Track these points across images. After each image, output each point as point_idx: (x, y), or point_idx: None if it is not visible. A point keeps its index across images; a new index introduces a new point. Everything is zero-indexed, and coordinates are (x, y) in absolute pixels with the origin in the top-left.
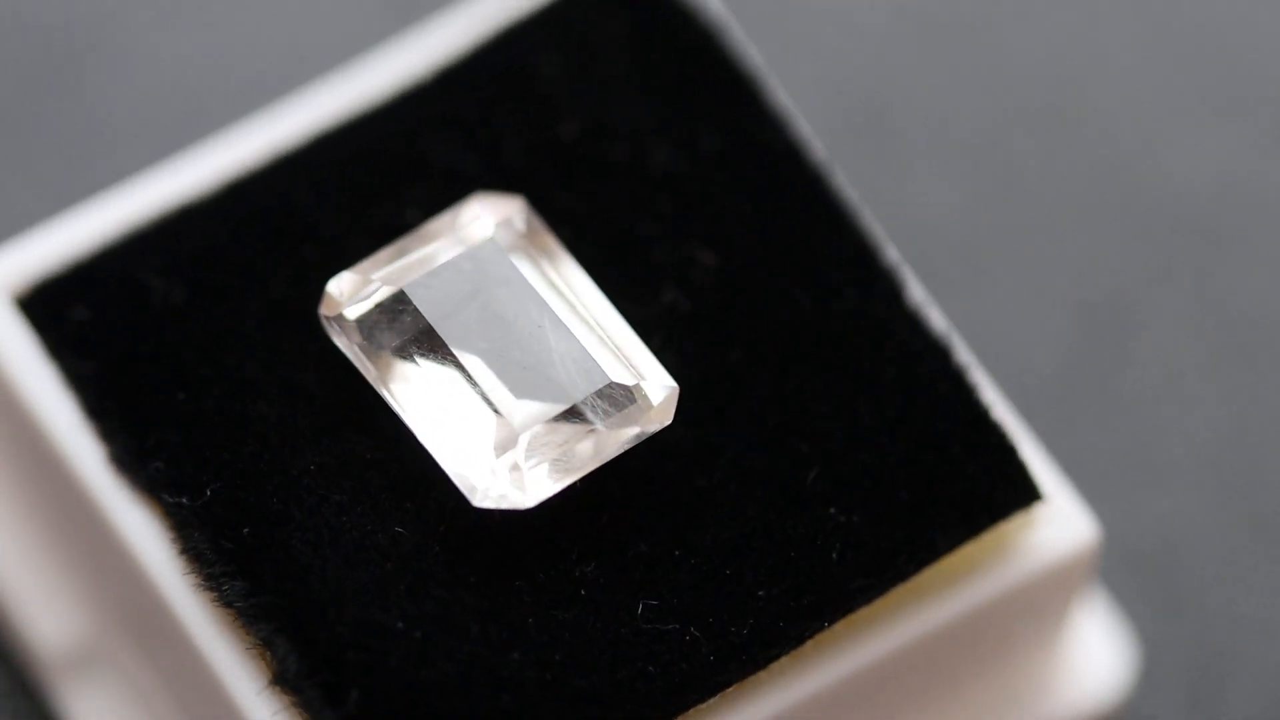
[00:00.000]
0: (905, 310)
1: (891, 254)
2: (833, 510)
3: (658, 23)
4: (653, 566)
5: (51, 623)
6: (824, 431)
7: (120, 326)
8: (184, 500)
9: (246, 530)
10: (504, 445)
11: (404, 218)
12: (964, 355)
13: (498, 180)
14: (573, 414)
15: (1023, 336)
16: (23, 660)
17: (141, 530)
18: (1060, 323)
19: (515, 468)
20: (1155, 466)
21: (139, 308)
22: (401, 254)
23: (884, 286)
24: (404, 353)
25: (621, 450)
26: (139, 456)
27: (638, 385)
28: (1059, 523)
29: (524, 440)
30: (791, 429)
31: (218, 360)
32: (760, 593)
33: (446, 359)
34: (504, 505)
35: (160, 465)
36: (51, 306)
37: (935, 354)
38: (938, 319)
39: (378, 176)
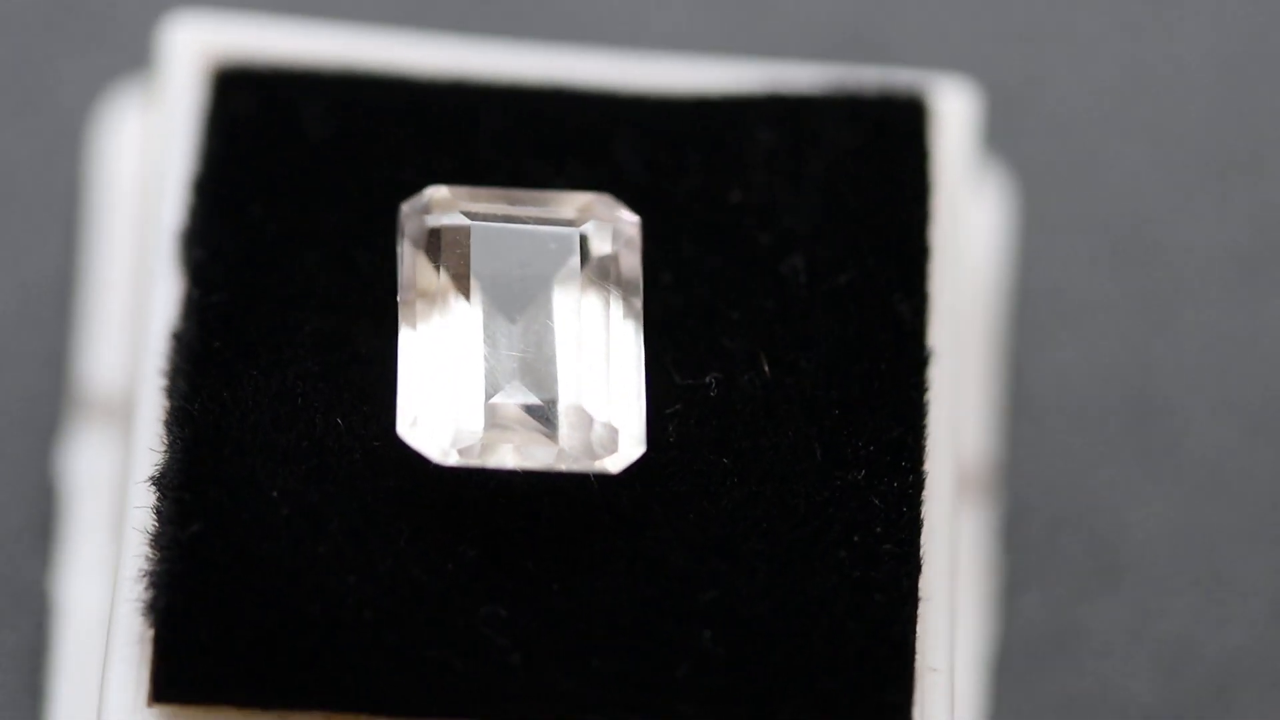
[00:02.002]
0: (902, 516)
1: (939, 467)
2: (708, 634)
3: (886, 158)
4: (524, 584)
5: (100, 365)
6: (750, 566)
7: (263, 131)
8: (195, 294)
9: (217, 345)
10: (467, 406)
11: (550, 183)
12: (938, 583)
13: (648, 200)
14: (539, 413)
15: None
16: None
17: (163, 303)
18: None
19: (461, 429)
20: None
21: (289, 126)
22: (509, 201)
23: (898, 486)
24: (442, 281)
25: (560, 470)
26: (194, 241)
27: (608, 425)
28: None
29: (486, 411)
30: (725, 548)
31: (306, 201)
32: (594, 662)
33: (470, 306)
34: (420, 448)
35: (201, 256)
36: (238, 89)
37: (897, 565)
38: (939, 549)
39: (562, 142)
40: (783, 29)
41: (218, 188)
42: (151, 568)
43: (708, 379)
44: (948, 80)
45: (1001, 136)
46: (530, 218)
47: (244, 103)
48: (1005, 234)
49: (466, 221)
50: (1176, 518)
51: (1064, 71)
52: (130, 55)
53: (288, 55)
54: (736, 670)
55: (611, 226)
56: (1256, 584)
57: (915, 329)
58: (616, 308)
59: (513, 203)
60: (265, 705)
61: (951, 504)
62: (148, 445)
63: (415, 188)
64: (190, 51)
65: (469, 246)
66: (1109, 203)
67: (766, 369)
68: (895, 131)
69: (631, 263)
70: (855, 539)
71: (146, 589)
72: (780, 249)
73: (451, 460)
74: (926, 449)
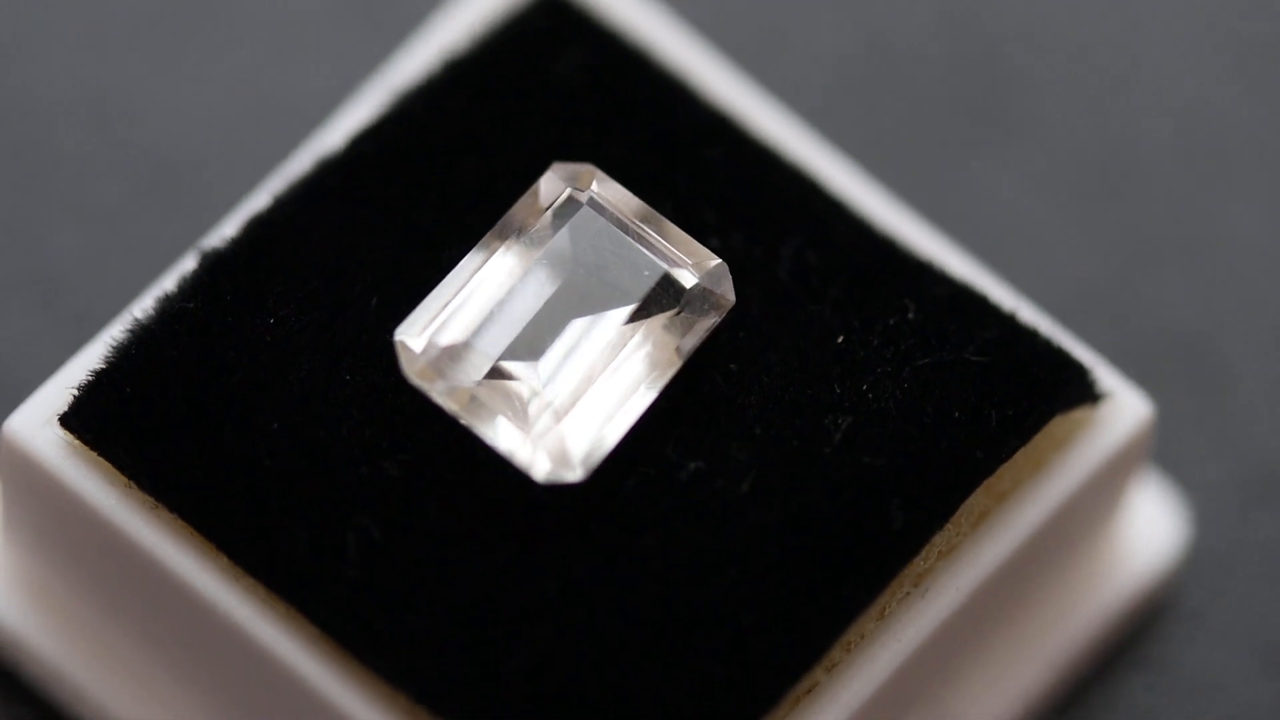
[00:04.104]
0: (751, 694)
1: (848, 686)
2: (518, 662)
3: (999, 393)
4: (411, 523)
5: None
6: (591, 636)
7: (526, 50)
8: (352, 142)
9: (332, 185)
10: (479, 353)
11: (702, 234)
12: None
13: (773, 301)
14: (535, 402)
15: None
16: None
17: (332, 138)
18: None
19: (458, 368)
20: None
21: (548, 58)
22: (643, 217)
23: (767, 664)
24: (537, 240)
25: (509, 459)
26: (399, 100)
27: (559, 442)
28: None
29: (493, 368)
30: (588, 605)
31: (505, 127)
32: (410, 618)
33: (544, 276)
34: (403, 361)
35: (381, 117)
36: (541, 9)
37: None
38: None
39: (747, 209)
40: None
41: (449, 74)
42: (138, 318)
43: (691, 465)
44: (1127, 386)
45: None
46: (644, 238)
47: (534, 22)
48: (1152, 562)
49: (583, 203)
50: None
51: None
52: None
53: (617, 16)
54: (579, 699)
55: (703, 291)
56: None
57: (899, 549)
58: (653, 360)
59: (644, 220)
60: (141, 484)
61: None
62: (229, 228)
63: (600, 167)
64: None
65: (567, 223)
66: None
67: (744, 489)
68: (1026, 378)
69: (696, 331)
70: (700, 670)
71: (122, 332)
72: (840, 405)
73: (434, 392)
74: (824, 665)
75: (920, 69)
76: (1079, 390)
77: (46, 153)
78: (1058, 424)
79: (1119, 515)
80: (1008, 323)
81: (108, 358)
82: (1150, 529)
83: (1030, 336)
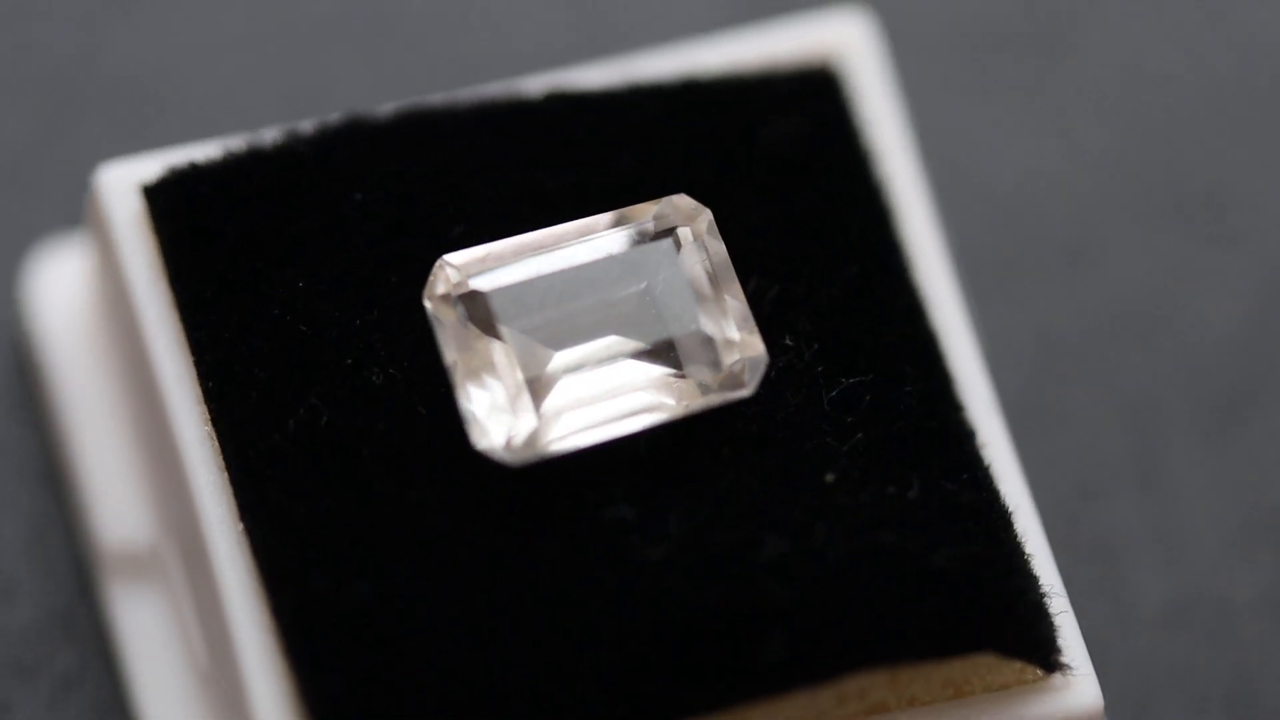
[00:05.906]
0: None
1: None
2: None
3: (948, 601)
4: (358, 435)
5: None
6: (481, 629)
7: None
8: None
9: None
10: (491, 303)
11: (785, 338)
12: None
13: (803, 412)
14: (530, 385)
15: None
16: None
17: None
18: None
19: (472, 309)
20: None
21: (754, 122)
22: (725, 278)
23: (643, 709)
24: (618, 239)
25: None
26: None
27: (526, 426)
28: None
29: (508, 333)
30: (477, 599)
31: (508, 158)
32: (314, 538)
33: (596, 273)
34: (435, 282)
35: (544, 103)
36: (808, 85)
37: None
38: None
39: (830, 330)
40: None
41: (678, 87)
42: (261, 138)
43: (624, 509)
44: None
45: None
46: (710, 298)
47: (791, 81)
48: None
49: (679, 240)
50: None
51: None
52: None
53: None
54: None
55: (732, 373)
56: None
57: (759, 682)
58: (653, 404)
59: (723, 284)
60: (167, 276)
61: None
62: (389, 107)
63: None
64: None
65: (654, 247)
66: None
67: (654, 555)
68: (974, 603)
69: (706, 401)
70: (507, 696)
71: (242, 141)
72: (787, 531)
73: (441, 324)
74: None
75: (1203, 344)
76: (1026, 643)
77: (350, 18)
78: (996, 669)
79: None
80: (1003, 550)
81: (211, 156)
82: None
83: (1016, 574)
